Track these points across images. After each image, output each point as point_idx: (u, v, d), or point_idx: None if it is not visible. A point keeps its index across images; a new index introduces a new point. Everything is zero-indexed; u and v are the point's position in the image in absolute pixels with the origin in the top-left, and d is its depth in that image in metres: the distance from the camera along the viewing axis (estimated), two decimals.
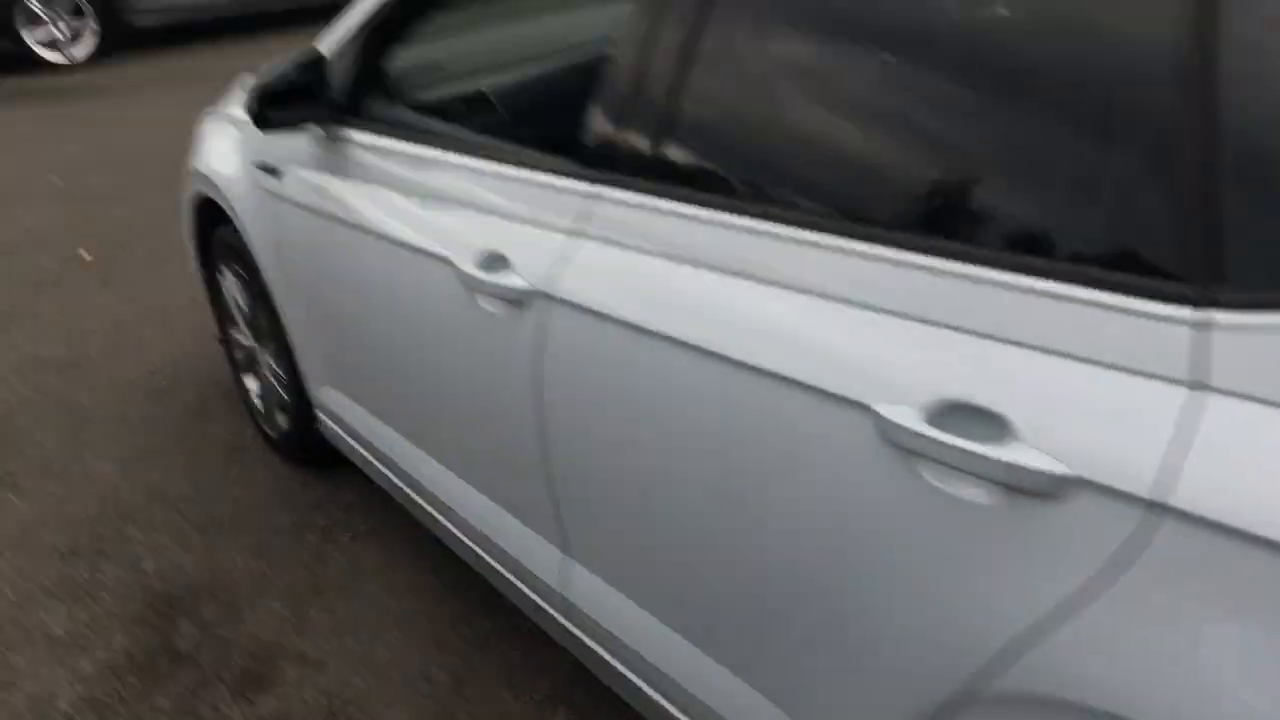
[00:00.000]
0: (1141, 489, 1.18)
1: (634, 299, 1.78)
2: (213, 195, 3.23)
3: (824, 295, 1.51)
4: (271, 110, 2.56)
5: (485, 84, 2.99)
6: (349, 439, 3.01)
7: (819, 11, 1.62)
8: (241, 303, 3.44)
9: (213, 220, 3.44)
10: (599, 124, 1.91)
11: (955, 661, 1.38)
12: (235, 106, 3.27)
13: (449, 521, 2.57)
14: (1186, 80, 1.18)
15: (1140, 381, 1.20)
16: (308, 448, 3.40)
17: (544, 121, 2.69)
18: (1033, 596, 1.29)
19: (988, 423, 1.31)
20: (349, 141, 2.59)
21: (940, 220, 1.42)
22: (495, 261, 2.07)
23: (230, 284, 3.46)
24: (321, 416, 3.16)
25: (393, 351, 2.50)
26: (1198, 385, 1.16)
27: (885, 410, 1.40)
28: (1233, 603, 1.11)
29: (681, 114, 1.78)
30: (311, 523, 3.25)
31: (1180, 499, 1.15)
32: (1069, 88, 1.29)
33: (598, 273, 1.85)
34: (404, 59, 2.72)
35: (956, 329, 1.36)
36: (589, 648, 2.18)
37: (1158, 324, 1.20)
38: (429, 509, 2.67)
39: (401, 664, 2.69)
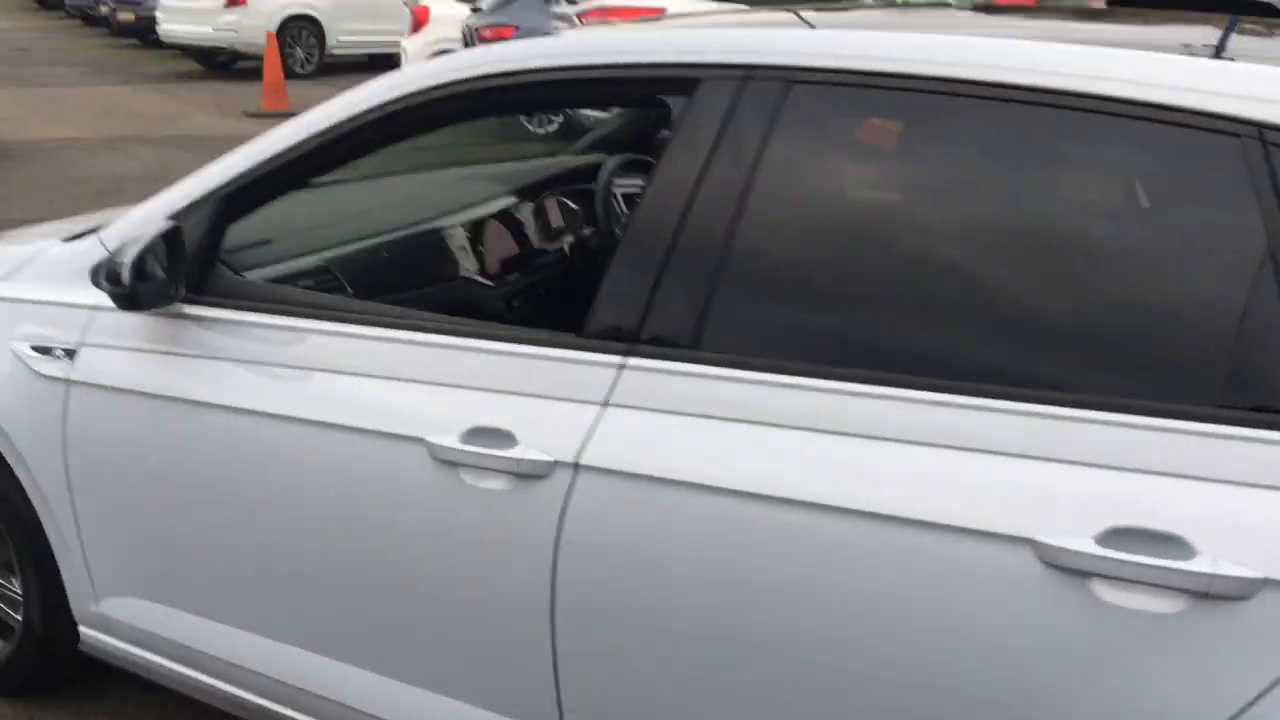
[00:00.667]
0: None
1: (691, 463, 1.84)
2: None
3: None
4: (142, 287, 2.30)
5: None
6: (149, 654, 2.65)
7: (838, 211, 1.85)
8: None
9: None
10: (626, 295, 1.97)
11: None
12: None
13: None
14: None
15: None
16: (40, 673, 2.92)
17: (543, 299, 2.64)
18: (1223, 692, 1.52)
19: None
20: (222, 320, 2.38)
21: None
22: (489, 437, 2.02)
23: None
24: (94, 634, 2.74)
25: (301, 545, 2.29)
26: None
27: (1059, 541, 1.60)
28: None
29: (720, 287, 1.89)
30: None
31: None
32: None
33: (641, 439, 1.89)
34: (290, 229, 2.57)
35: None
36: None
37: None
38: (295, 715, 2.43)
39: None
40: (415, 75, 2.30)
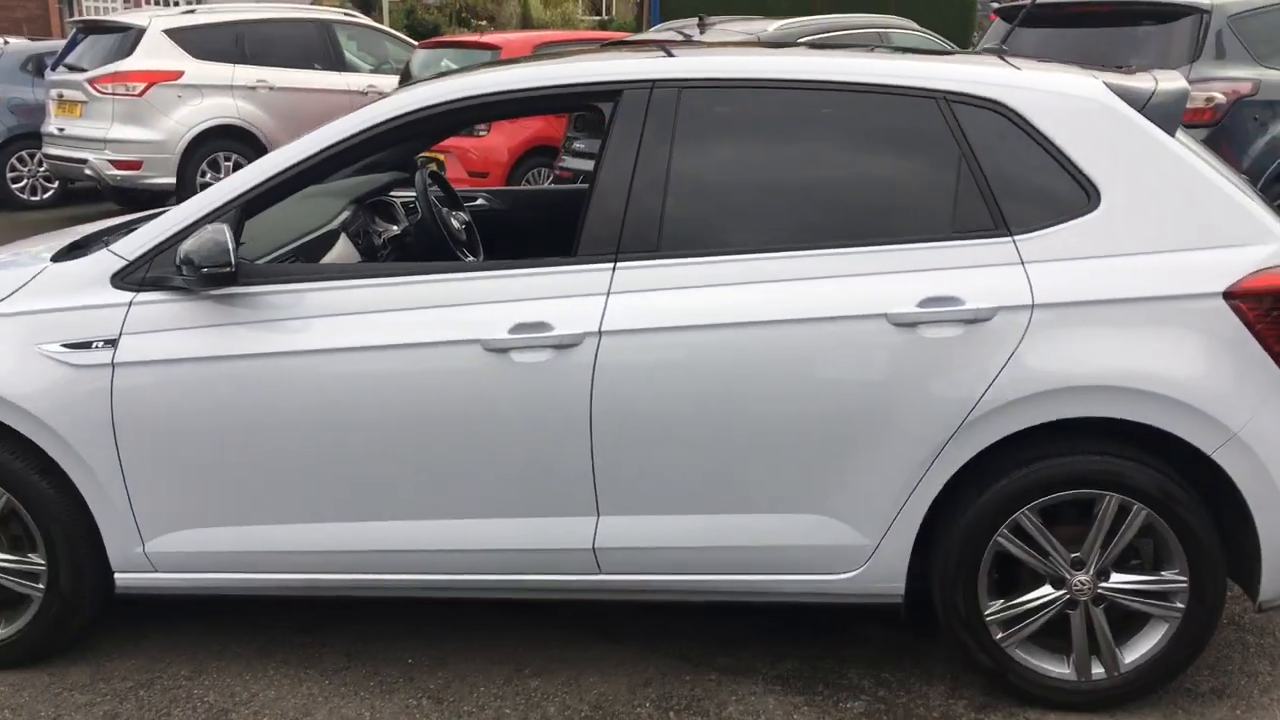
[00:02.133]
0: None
1: (669, 317, 3.12)
2: None
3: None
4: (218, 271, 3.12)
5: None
6: (200, 574, 3.39)
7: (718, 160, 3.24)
8: None
9: None
10: (606, 227, 3.18)
11: (965, 409, 3.06)
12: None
13: (412, 571, 3.32)
14: None
15: None
16: (56, 635, 3.49)
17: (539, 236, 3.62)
18: (987, 370, 3.05)
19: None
20: (281, 294, 3.23)
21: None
22: (530, 328, 3.14)
23: None
24: (136, 576, 3.40)
25: (372, 440, 3.22)
26: None
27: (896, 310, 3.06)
28: None
29: (667, 211, 3.19)
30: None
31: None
32: None
33: (651, 306, 3.13)
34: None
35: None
36: (625, 582, 3.27)
37: None
38: (369, 576, 3.35)
39: None
40: (424, 95, 3.33)
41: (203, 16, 11.57)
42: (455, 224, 4.35)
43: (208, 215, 3.29)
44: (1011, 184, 3.13)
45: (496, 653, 3.57)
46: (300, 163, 3.33)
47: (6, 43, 13.27)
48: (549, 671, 3.47)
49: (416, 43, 12.30)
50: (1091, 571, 3.15)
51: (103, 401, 3.27)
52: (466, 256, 4.19)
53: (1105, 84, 3.22)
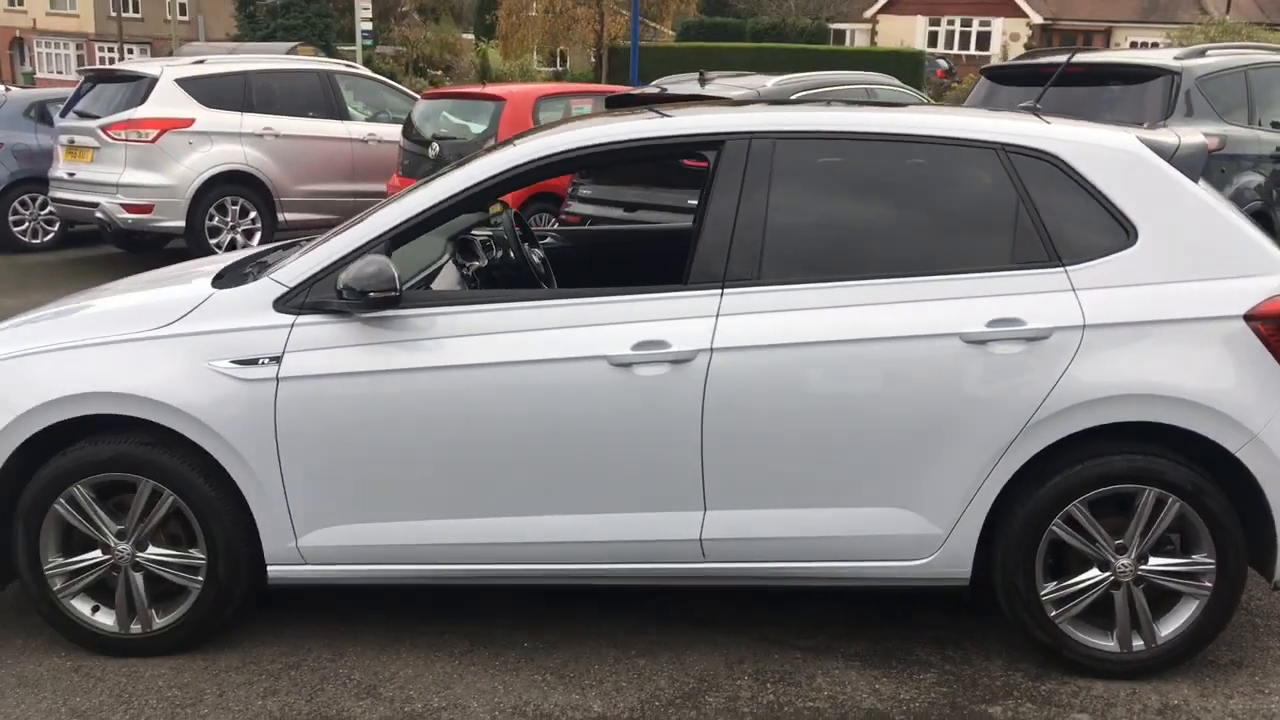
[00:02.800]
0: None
1: (770, 336, 3.62)
2: (112, 409, 3.70)
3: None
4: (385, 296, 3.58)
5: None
6: (347, 566, 3.81)
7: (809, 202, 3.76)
8: (140, 513, 3.78)
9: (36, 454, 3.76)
10: (714, 258, 3.68)
11: (1027, 414, 3.58)
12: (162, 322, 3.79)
13: (547, 562, 3.77)
14: None
15: None
16: (212, 621, 3.90)
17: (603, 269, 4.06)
18: (1048, 379, 3.58)
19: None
20: (426, 316, 3.69)
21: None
22: (651, 345, 3.62)
23: (81, 506, 3.77)
24: (287, 569, 3.81)
25: (508, 442, 3.67)
26: None
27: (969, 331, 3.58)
28: None
29: (766, 244, 3.69)
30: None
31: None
32: None
33: (754, 327, 3.63)
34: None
35: None
36: (727, 569, 3.74)
37: None
38: (503, 566, 3.79)
39: None
40: (554, 143, 3.82)
41: (212, 67, 11.98)
42: (534, 258, 4.83)
43: (360, 248, 3.75)
44: (1062, 222, 3.67)
45: (600, 638, 4.00)
46: (441, 202, 3.81)
47: (8, 90, 13.58)
48: (652, 653, 3.91)
49: (419, 95, 12.77)
50: (1133, 556, 3.66)
51: (267, 412, 3.70)
52: (543, 286, 4.66)
53: (1138, 137, 3.78)
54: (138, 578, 3.85)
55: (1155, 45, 41.59)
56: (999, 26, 45.66)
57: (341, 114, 12.54)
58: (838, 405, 3.63)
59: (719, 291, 3.68)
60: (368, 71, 13.75)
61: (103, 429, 3.77)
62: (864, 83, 10.29)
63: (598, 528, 3.74)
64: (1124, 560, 3.67)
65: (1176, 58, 8.07)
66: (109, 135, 11.34)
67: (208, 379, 3.71)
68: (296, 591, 4.03)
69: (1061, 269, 3.64)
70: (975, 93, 8.80)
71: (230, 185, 11.68)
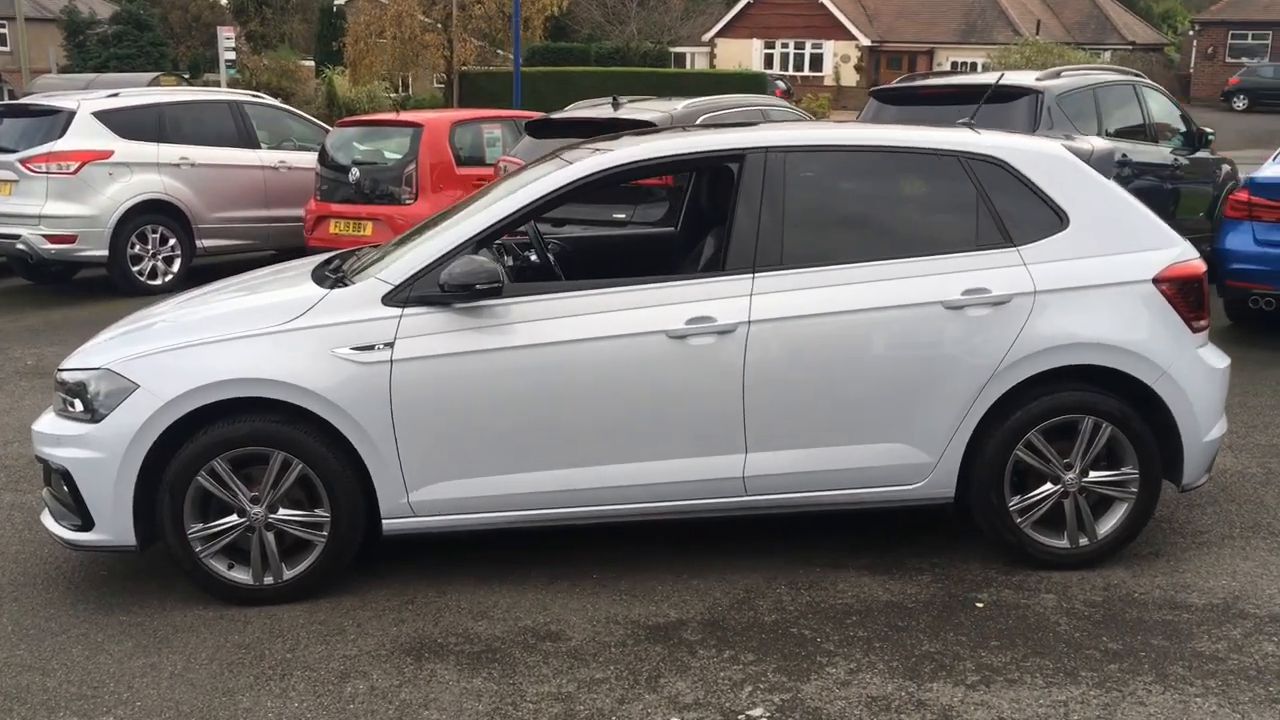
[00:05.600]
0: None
1: (794, 309, 4.55)
2: (252, 392, 4.40)
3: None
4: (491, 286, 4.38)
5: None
6: (452, 515, 4.57)
7: (821, 199, 4.72)
8: (272, 481, 4.48)
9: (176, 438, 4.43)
10: (744, 249, 4.60)
11: (996, 362, 4.58)
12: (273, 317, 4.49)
13: (617, 503, 4.60)
14: None
15: None
16: (332, 572, 4.60)
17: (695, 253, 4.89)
18: (1007, 338, 4.59)
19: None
20: (516, 304, 4.49)
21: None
22: (701, 320, 4.51)
23: (220, 477, 4.44)
24: (400, 521, 4.56)
25: (583, 404, 4.50)
26: None
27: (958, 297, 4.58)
28: None
29: (785, 236, 4.62)
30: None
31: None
32: None
33: (779, 303, 4.55)
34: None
35: None
36: (765, 500, 4.64)
37: None
38: (581, 508, 4.61)
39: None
40: (617, 157, 4.68)
41: (127, 99, 12.35)
42: (551, 257, 5.68)
43: (453, 250, 4.53)
44: (1010, 212, 4.70)
45: (655, 566, 4.84)
46: (520, 210, 4.62)
47: None
48: (700, 575, 4.78)
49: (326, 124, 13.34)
50: (1077, 471, 4.69)
51: (383, 389, 4.44)
52: (561, 278, 5.47)
53: (1062, 144, 4.84)
54: (270, 537, 4.54)
55: (974, 65, 44.36)
56: (830, 49, 47.91)
57: (252, 142, 13.04)
58: (849, 362, 4.57)
59: (751, 275, 4.58)
60: (274, 101, 14.24)
61: (234, 411, 4.46)
62: (758, 104, 11.35)
63: (658, 472, 4.60)
64: (1070, 475, 4.69)
65: (1038, 79, 9.34)
66: (29, 168, 11.62)
67: (333, 364, 4.44)
68: (390, 546, 4.75)
69: (1014, 248, 4.66)
70: (866, 111, 9.94)
71: (150, 214, 12.07)
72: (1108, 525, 4.77)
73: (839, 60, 47.54)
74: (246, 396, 4.44)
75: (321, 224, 11.90)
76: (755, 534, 5.11)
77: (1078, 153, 4.84)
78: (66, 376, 4.67)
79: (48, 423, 4.67)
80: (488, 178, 11.84)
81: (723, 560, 4.91)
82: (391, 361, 4.45)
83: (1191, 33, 47.23)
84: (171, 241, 12.22)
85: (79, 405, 4.56)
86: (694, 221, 6.00)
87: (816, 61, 48.28)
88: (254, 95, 14.12)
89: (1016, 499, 4.72)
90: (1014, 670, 4.02)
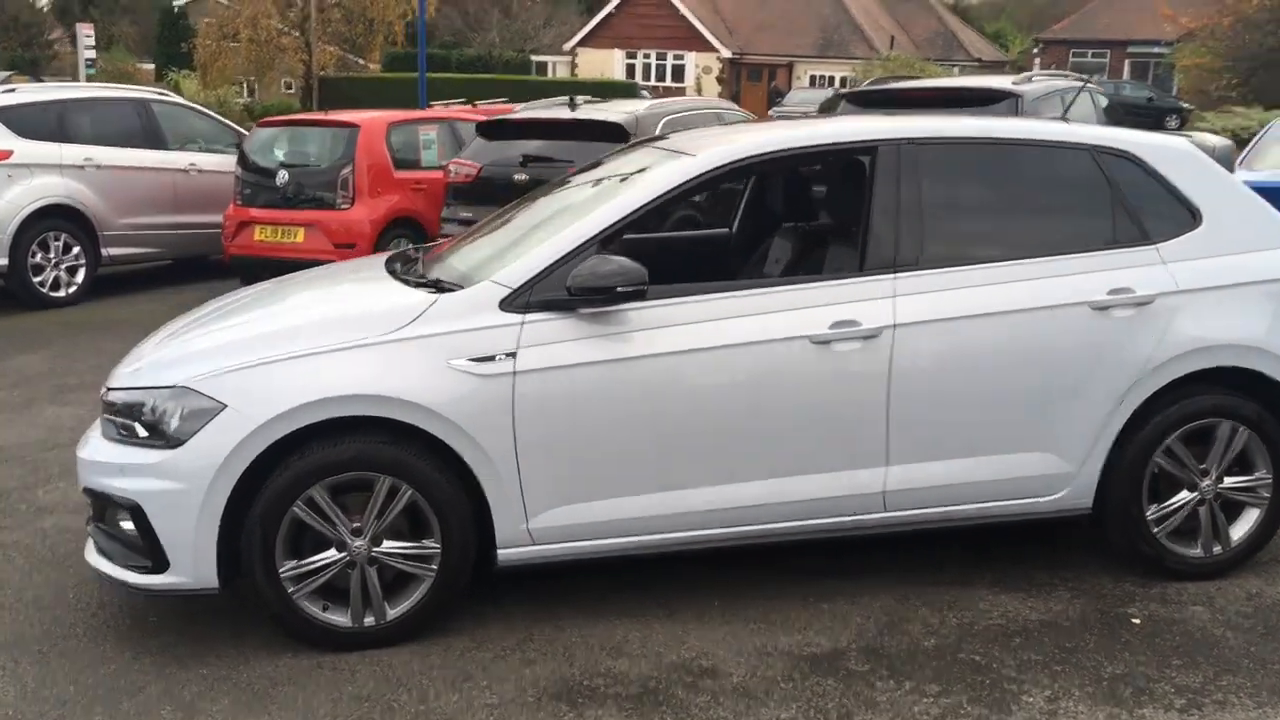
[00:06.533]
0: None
1: (940, 311, 4.27)
2: (362, 411, 3.90)
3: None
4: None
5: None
6: (570, 543, 4.13)
7: (957, 193, 4.45)
8: (378, 509, 3.96)
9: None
10: (883, 248, 4.29)
11: (1140, 366, 4.37)
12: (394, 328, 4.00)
13: (744, 524, 4.23)
14: None
15: None
16: (438, 607, 4.12)
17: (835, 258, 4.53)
18: (1153, 339, 4.38)
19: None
20: (646, 309, 4.07)
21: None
22: (845, 324, 4.19)
23: (319, 507, 3.93)
24: (516, 551, 4.10)
25: (726, 417, 4.12)
26: None
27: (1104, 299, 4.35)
28: None
29: (925, 234, 4.34)
30: None
31: None
32: None
33: (924, 304, 4.25)
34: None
35: None
36: (904, 516, 4.33)
37: None
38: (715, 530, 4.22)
39: None
40: (734, 150, 4.31)
41: (24, 95, 11.39)
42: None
43: (576, 250, 4.10)
44: (1144, 208, 4.50)
45: (774, 593, 4.47)
46: (642, 206, 4.21)
47: None
48: (829, 599, 4.43)
49: (247, 125, 12.55)
50: (1214, 477, 4.51)
51: (505, 404, 3.99)
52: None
53: (1188, 139, 4.67)
54: (372, 572, 4.03)
55: (832, 79, 45.16)
56: (692, 60, 48.13)
57: (160, 143, 12.18)
58: (995, 367, 4.30)
59: (892, 276, 4.27)
60: (181, 99, 13.35)
61: (331, 432, 3.93)
62: (715, 108, 11.11)
63: (794, 489, 4.24)
64: (1206, 483, 4.51)
65: (1014, 83, 9.32)
66: None
67: (448, 377, 3.96)
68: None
69: (1152, 246, 4.46)
70: (840, 115, 9.75)
71: (52, 220, 11.12)
72: (1240, 532, 4.61)
73: (700, 71, 47.79)
74: (351, 416, 3.92)
75: (244, 230, 11.15)
76: (852, 552, 4.77)
77: (1203, 146, 4.67)
78: (120, 397, 4.07)
79: (102, 450, 4.06)
80: (427, 181, 11.34)
81: (839, 581, 4.58)
82: (514, 373, 4.00)
83: (1035, 51, 49.00)
84: (75, 250, 11.27)
85: (141, 429, 3.97)
86: (761, 221, 5.65)
87: (678, 72, 48.43)
88: (160, 92, 13.23)
89: (1153, 508, 4.51)
90: (1215, 691, 3.79)
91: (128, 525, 3.99)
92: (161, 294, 11.54)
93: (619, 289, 3.98)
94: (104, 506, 4.07)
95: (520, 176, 9.73)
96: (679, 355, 4.11)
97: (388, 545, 4.04)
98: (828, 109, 10.92)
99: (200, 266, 12.37)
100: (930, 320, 4.25)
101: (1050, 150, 4.58)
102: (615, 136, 9.61)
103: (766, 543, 4.36)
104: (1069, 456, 4.41)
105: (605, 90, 34.41)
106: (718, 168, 4.32)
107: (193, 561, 3.91)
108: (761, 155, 4.41)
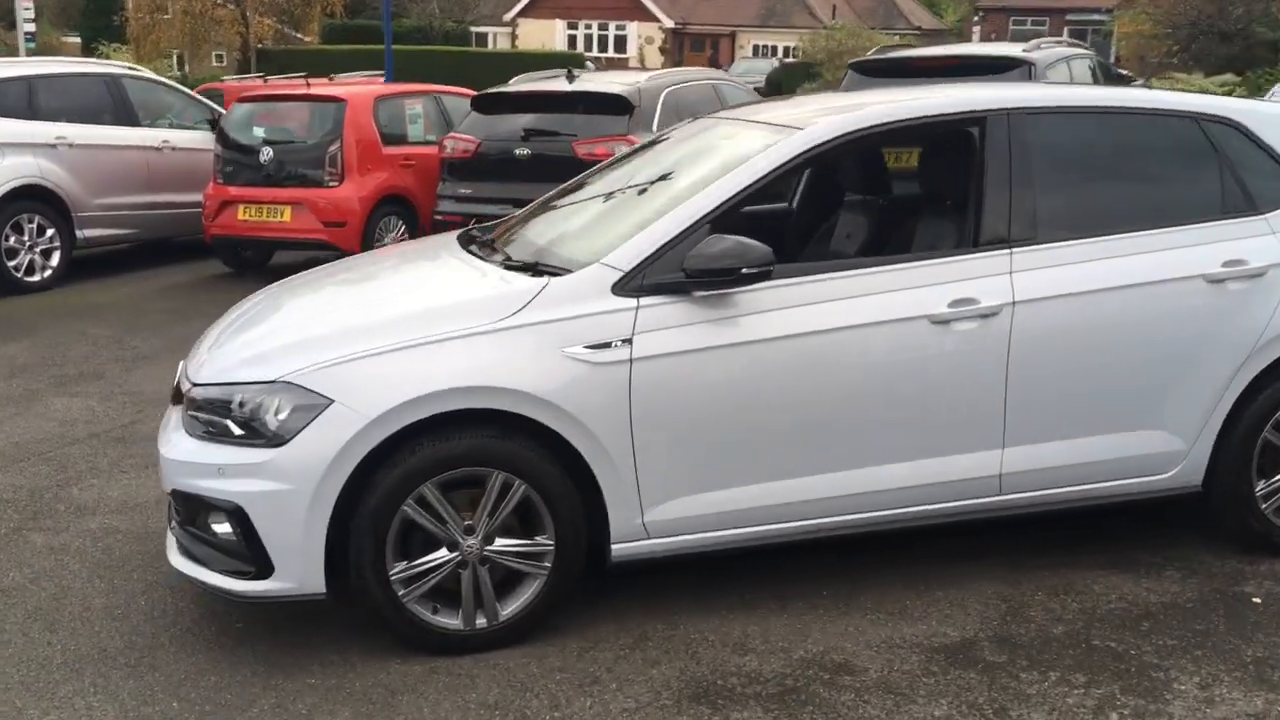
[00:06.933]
0: None
1: (1058, 288, 4.14)
2: (478, 403, 3.70)
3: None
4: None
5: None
6: (687, 536, 3.95)
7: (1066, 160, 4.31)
8: (491, 506, 3.76)
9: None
10: (998, 222, 4.14)
11: (1253, 341, 4.27)
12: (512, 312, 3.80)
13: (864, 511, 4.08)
14: None
15: None
16: (551, 606, 3.93)
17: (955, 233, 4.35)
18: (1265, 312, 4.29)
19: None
20: (763, 290, 3.89)
21: None
22: (964, 303, 4.04)
23: (431, 506, 3.72)
24: (629, 546, 3.92)
25: (846, 400, 3.96)
26: None
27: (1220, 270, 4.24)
28: None
29: (1038, 207, 4.19)
30: None
31: None
32: None
33: (1043, 280, 4.12)
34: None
35: None
36: (1019, 499, 4.20)
37: None
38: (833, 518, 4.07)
39: None
40: (845, 122, 4.14)
41: None
42: None
43: (686, 231, 3.91)
44: (1250, 177, 4.40)
45: (881, 584, 4.33)
46: (755, 182, 4.03)
47: None
48: (940, 585, 4.31)
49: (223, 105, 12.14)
50: None
51: (622, 393, 3.79)
52: None
53: None
54: (484, 572, 3.83)
55: (774, 49, 45.07)
56: (634, 30, 47.75)
57: (132, 120, 11.73)
58: (1112, 343, 4.18)
59: (1008, 251, 4.13)
60: (151, 74, 12.86)
61: (440, 426, 3.72)
62: (711, 79, 10.92)
63: (908, 474, 4.10)
64: None
65: (1024, 50, 9.23)
66: None
67: (564, 366, 3.76)
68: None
69: (1261, 216, 4.37)
70: (846, 85, 9.60)
71: (25, 201, 10.67)
72: None
73: (643, 42, 47.44)
74: (465, 409, 3.70)
75: (226, 210, 10.82)
76: (951, 537, 4.61)
77: None
78: (208, 393, 3.83)
79: (193, 449, 3.81)
80: (416, 157, 11.05)
81: (944, 567, 4.45)
82: (631, 360, 3.80)
83: (975, 19, 49.22)
84: (50, 232, 10.82)
85: (234, 427, 3.73)
86: (835, 198, 5.44)
87: (620, 43, 48.04)
88: (130, 67, 12.75)
89: (1262, 484, 4.44)
90: None
91: (223, 528, 3.76)
92: (140, 277, 11.18)
93: (744, 270, 3.79)
94: (196, 509, 3.82)
95: (522, 151, 9.52)
96: (798, 339, 3.94)
97: (500, 543, 3.83)
98: (774, 82, 10.72)
99: (172, 248, 11.98)
100: (1049, 297, 4.12)
101: (1155, 119, 4.46)
102: (618, 109, 9.43)
103: (883, 531, 4.21)
104: (1182, 433, 4.31)
105: (546, 61, 33.98)
106: (827, 141, 4.14)
107: (301, 565, 3.69)
108: (876, 127, 4.24)
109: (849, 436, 4.03)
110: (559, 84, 9.99)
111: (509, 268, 4.14)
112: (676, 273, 3.85)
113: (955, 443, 4.12)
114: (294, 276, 4.94)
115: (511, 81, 11.09)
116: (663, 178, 4.50)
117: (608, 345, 3.79)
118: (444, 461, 3.72)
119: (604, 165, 5.29)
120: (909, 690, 3.62)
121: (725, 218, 4.01)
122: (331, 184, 10.61)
